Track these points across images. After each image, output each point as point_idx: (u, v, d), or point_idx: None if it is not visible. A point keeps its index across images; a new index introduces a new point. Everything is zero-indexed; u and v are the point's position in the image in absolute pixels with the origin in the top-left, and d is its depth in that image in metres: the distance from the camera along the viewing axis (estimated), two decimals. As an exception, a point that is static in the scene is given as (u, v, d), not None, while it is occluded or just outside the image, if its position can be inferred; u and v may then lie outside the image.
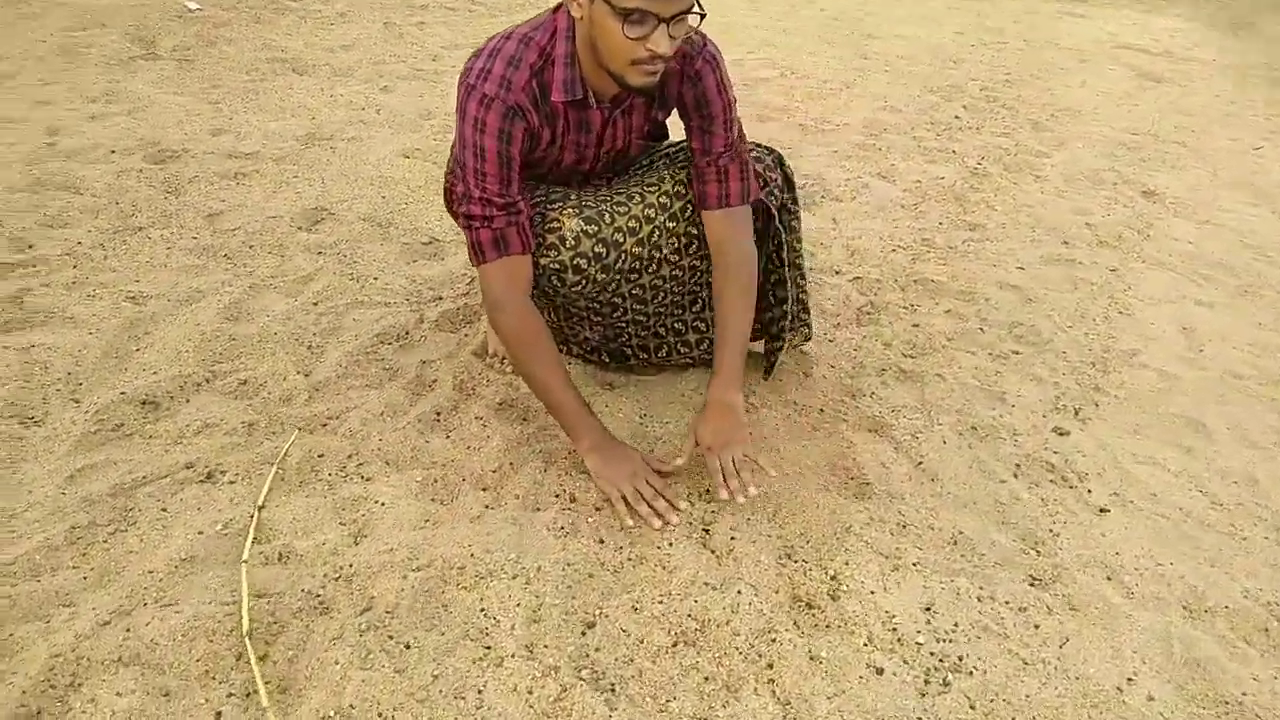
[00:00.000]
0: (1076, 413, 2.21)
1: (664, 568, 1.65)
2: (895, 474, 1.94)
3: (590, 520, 1.73)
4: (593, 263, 1.77)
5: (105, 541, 1.56)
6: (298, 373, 2.02)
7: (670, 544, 1.70)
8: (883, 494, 1.88)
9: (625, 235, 1.81)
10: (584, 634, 1.50)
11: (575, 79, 1.66)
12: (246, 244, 2.50)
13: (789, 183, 2.06)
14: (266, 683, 1.36)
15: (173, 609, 1.45)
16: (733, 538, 1.72)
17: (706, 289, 2.04)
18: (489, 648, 1.46)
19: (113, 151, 2.91)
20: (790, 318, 2.13)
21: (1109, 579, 1.73)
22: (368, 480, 1.76)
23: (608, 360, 2.16)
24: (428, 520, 1.69)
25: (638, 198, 1.84)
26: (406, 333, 2.21)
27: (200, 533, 1.59)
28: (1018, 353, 2.43)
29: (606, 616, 1.54)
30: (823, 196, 3.23)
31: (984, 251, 2.96)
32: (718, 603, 1.58)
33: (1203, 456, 2.10)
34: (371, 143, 3.29)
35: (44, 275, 2.23)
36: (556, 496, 1.78)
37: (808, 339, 2.26)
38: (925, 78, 4.71)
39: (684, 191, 1.88)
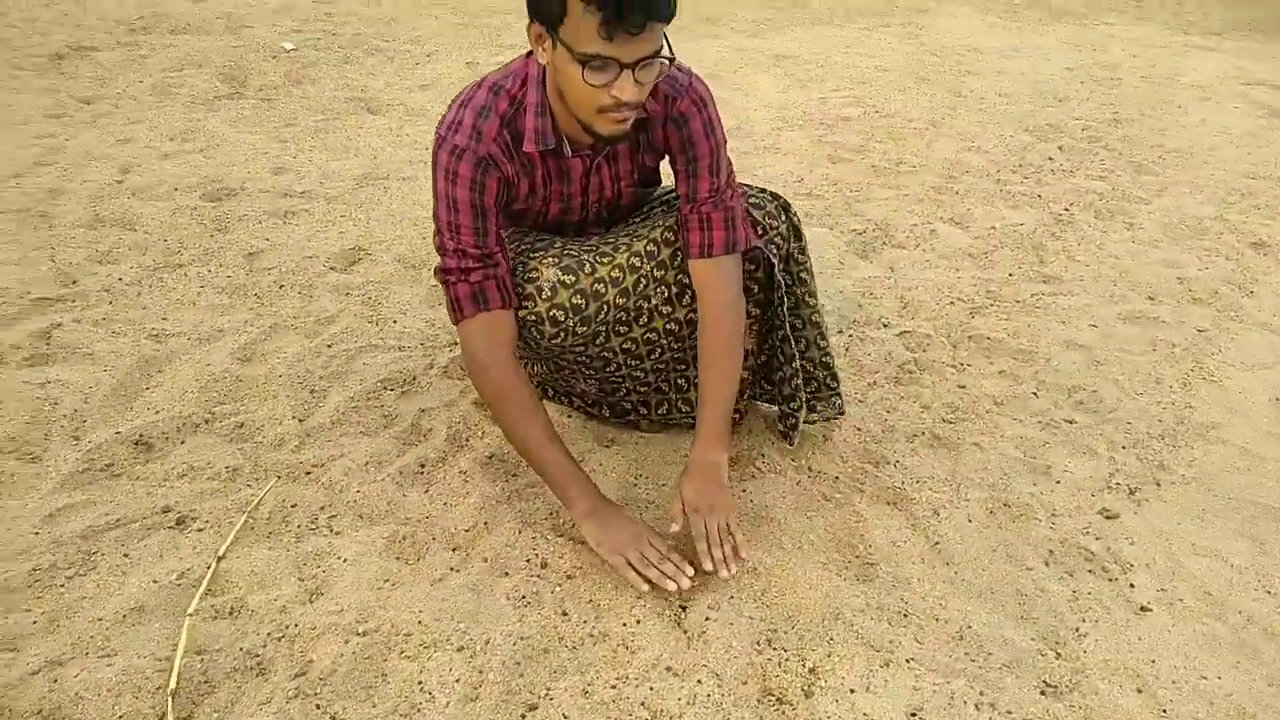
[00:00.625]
0: (1132, 493, 1.98)
1: (626, 647, 1.53)
2: (906, 554, 1.77)
3: (556, 590, 1.63)
4: (570, 315, 1.68)
5: (62, 585, 1.56)
6: (293, 417, 2.00)
7: (639, 620, 1.58)
8: (887, 576, 1.72)
9: (607, 286, 1.71)
10: (523, 717, 1.40)
11: (547, 128, 1.60)
12: (277, 283, 2.52)
13: (796, 231, 1.93)
14: (178, 749, 1.31)
15: (107, 660, 1.43)
16: (708, 618, 1.60)
17: None
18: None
19: (175, 189, 3.01)
20: (805, 379, 2.00)
21: (1139, 691, 1.52)
22: (336, 534, 1.72)
23: (609, 415, 2.07)
24: (387, 580, 1.62)
25: (624, 246, 1.75)
26: (414, 378, 2.18)
27: (155, 581, 1.57)
28: (1073, 421, 2.21)
29: (551, 699, 1.43)
30: (883, 243, 3.06)
31: (1054, 306, 2.73)
32: (675, 692, 1.46)
33: (1278, 552, 1.84)
34: (425, 183, 3.30)
35: (78, 311, 2.30)
36: (527, 561, 1.69)
37: (840, 412, 2.08)
38: (1022, 117, 4.46)
39: (674, 238, 1.78)
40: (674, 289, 1.81)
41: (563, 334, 1.69)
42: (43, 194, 2.87)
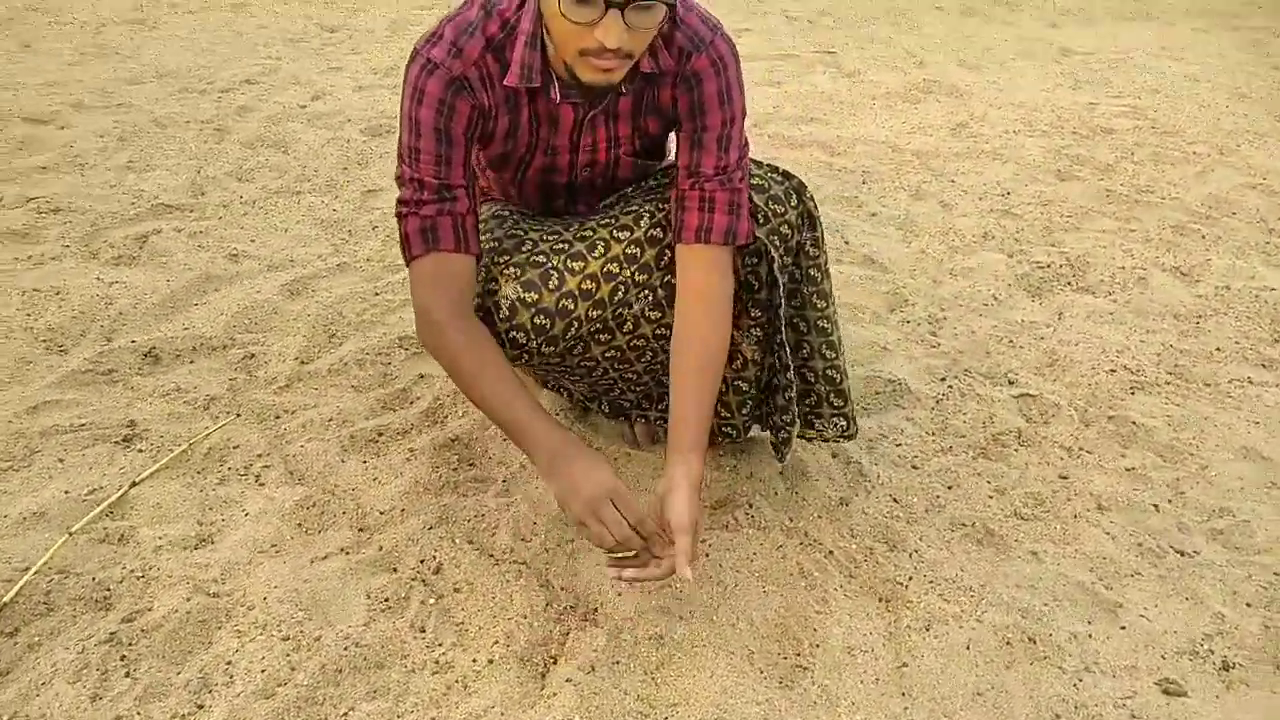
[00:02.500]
0: (1226, 669, 1.47)
1: (464, 687, 1.35)
2: (858, 668, 1.42)
3: (429, 601, 1.47)
4: (533, 336, 1.47)
5: (-2, 476, 1.64)
6: (296, 358, 1.98)
7: (491, 661, 1.39)
8: (815, 690, 1.39)
9: (577, 300, 1.48)
10: (304, 731, 1.28)
11: (535, 62, 1.39)
12: (373, 224, 2.52)
13: (810, 219, 1.59)
14: (-27, 663, 1.32)
15: (-21, 558, 1.47)
16: (573, 680, 1.36)
17: None
18: (200, 707, 1.29)
19: (347, 120, 3.12)
20: (803, 392, 1.70)
21: None
22: (258, 485, 1.67)
23: (607, 412, 1.86)
24: (273, 545, 1.55)
25: (600, 247, 1.51)
26: (437, 342, 2.08)
27: (66, 492, 1.61)
28: (1193, 554, 1.68)
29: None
30: (1066, 284, 2.52)
31: (1254, 402, 2.11)
32: (475, 754, 1.26)
33: None
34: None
35: (185, 221, 2.43)
36: (421, 561, 1.55)
37: (845, 434, 1.73)
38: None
39: (661, 234, 1.53)
40: (661, 292, 1.56)
41: (526, 355, 1.49)
42: (233, 110, 3.09)
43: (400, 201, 1.44)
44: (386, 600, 1.47)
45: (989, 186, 3.04)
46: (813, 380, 1.69)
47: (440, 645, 1.41)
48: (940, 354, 2.20)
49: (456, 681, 1.36)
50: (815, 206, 1.63)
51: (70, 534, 1.52)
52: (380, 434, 1.80)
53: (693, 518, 1.35)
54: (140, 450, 1.71)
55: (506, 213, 1.62)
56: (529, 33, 1.39)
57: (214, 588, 1.46)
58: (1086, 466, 1.89)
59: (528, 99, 1.45)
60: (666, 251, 1.53)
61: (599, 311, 1.52)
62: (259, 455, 1.73)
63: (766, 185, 1.55)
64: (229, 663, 1.35)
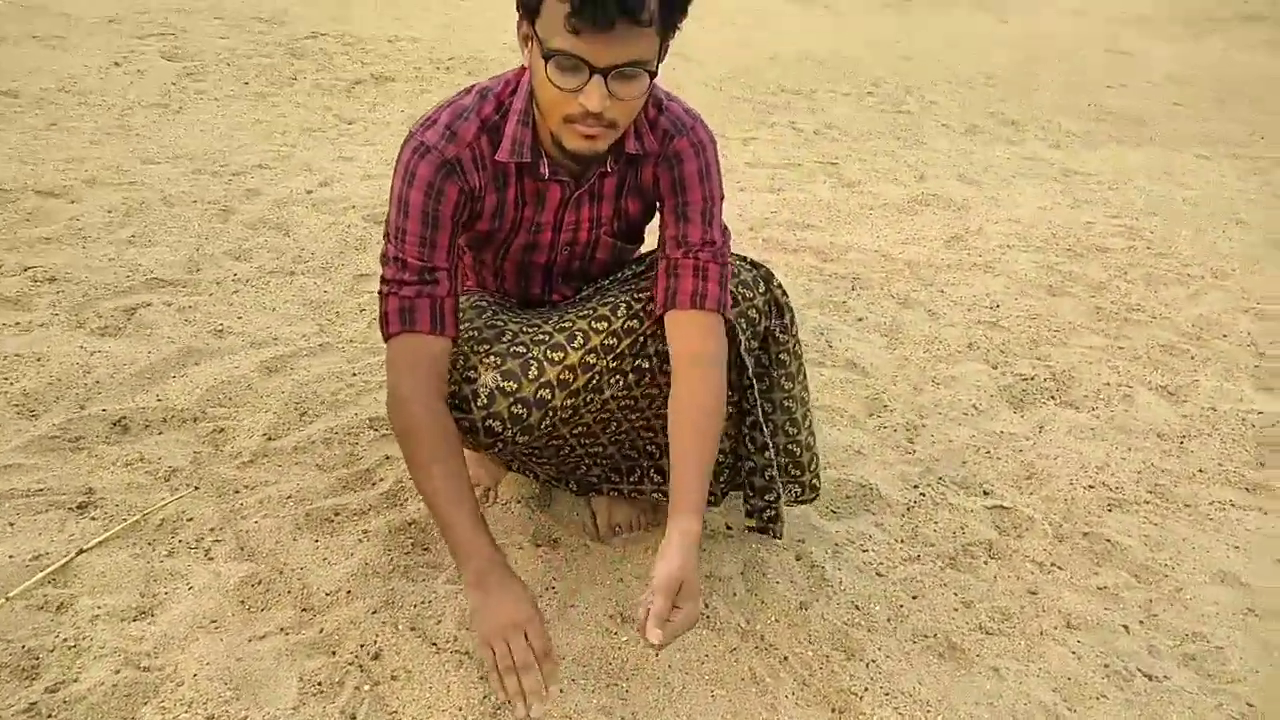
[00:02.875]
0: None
1: (385, 779, 1.30)
2: (798, 782, 1.37)
3: (363, 688, 1.43)
4: (509, 425, 1.48)
5: (-52, 537, 1.63)
6: (264, 435, 1.98)
7: (419, 753, 1.35)
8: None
9: (554, 390, 1.50)
10: (213, 818, 1.23)
11: (526, 139, 1.45)
12: (361, 307, 2.56)
13: (777, 306, 1.66)
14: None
15: (-87, 620, 1.45)
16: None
17: None
18: (111, 787, 1.25)
19: (351, 208, 3.20)
20: (778, 470, 1.70)
21: None
22: (207, 560, 1.65)
23: (575, 490, 1.84)
24: (213, 622, 1.52)
25: (579, 338, 1.53)
26: (409, 425, 2.08)
27: (11, 557, 1.59)
28: (1162, 679, 1.63)
29: (259, 809, 1.25)
30: (1050, 398, 2.51)
31: (1234, 526, 2.07)
32: None
33: None
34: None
35: (175, 296, 2.47)
36: (361, 646, 1.51)
37: (799, 499, 1.78)
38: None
39: (637, 325, 1.55)
40: (631, 375, 1.57)
41: (500, 444, 1.50)
42: (241, 192, 3.17)
43: (383, 280, 1.48)
44: (319, 684, 1.43)
45: (978, 298, 3.05)
46: (774, 455, 1.70)
47: (368, 734, 1.37)
48: (915, 461, 2.17)
49: (380, 773, 1.31)
50: (783, 294, 1.67)
51: (7, 599, 1.50)
52: (337, 513, 1.79)
53: (676, 577, 1.30)
54: (93, 518, 1.70)
55: (485, 303, 1.65)
56: (521, 111, 1.45)
57: (145, 661, 1.43)
58: (1057, 583, 1.84)
59: (515, 178, 1.50)
60: (640, 339, 1.55)
61: (572, 400, 1.53)
62: (211, 529, 1.71)
63: (736, 271, 1.59)
64: (147, 741, 1.31)
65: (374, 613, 1.58)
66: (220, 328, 2.35)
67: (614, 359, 1.55)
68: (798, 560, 1.82)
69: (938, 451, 2.22)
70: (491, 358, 1.50)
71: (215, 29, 5.33)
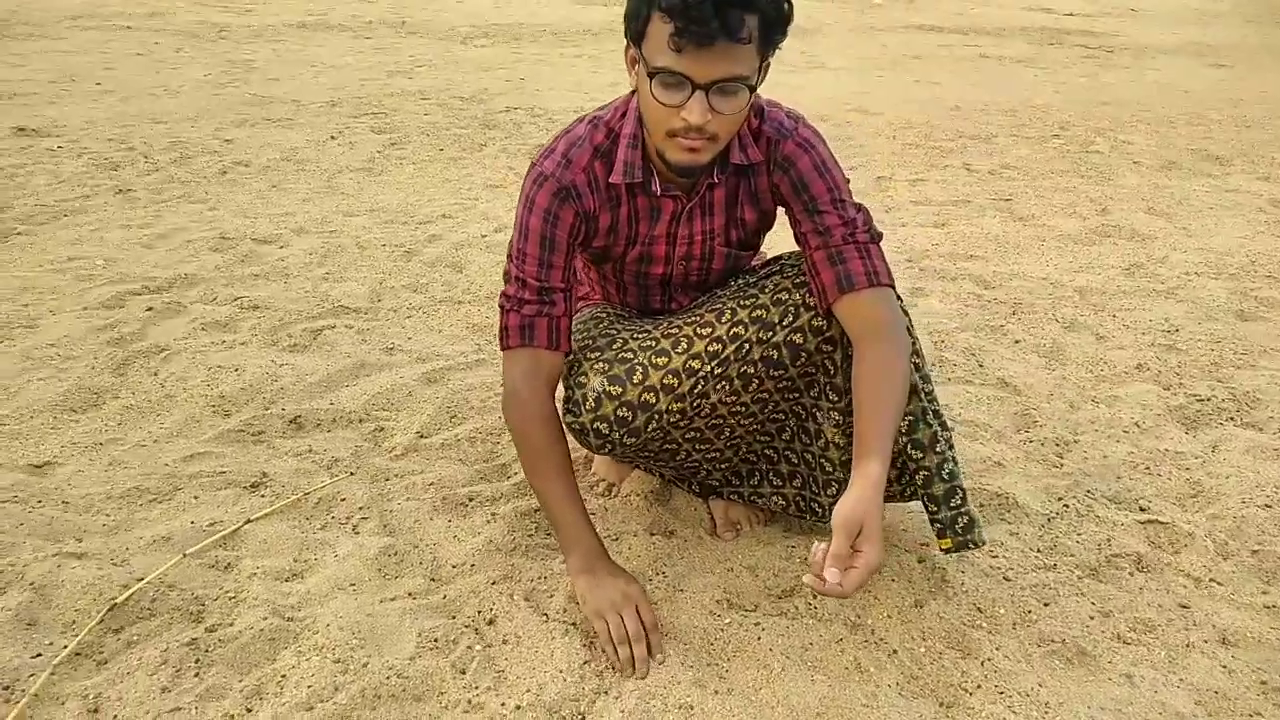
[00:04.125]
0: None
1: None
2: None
3: (475, 648, 1.52)
4: (615, 427, 1.58)
5: (139, 505, 1.86)
6: (418, 432, 2.15)
7: (519, 707, 1.42)
8: (842, 779, 1.31)
9: (659, 394, 1.58)
10: (329, 745, 1.35)
11: (636, 160, 1.56)
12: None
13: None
14: (77, 653, 1.50)
15: (113, 562, 1.68)
16: (590, 733, 1.37)
17: (794, 417, 1.70)
18: (249, 710, 1.40)
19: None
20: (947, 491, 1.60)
21: None
22: (354, 534, 1.81)
23: (697, 492, 1.89)
24: (351, 584, 1.67)
25: (683, 344, 1.61)
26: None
27: (193, 523, 1.81)
28: (1328, 699, 1.46)
29: (369, 740, 1.35)
30: (1229, 419, 2.32)
31: None
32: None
33: None
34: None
35: (358, 321, 2.74)
36: (478, 612, 1.61)
37: (968, 542, 1.56)
38: None
39: (742, 331, 1.60)
40: (738, 381, 1.62)
41: (609, 445, 1.61)
42: (424, 238, 3.47)
43: (504, 295, 1.61)
44: (436, 640, 1.53)
45: (1155, 323, 2.87)
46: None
47: (476, 688, 1.45)
48: (1063, 474, 2.07)
49: (481, 723, 1.39)
50: (899, 297, 1.66)
51: (185, 556, 1.71)
52: (471, 499, 1.91)
53: (856, 516, 1.32)
54: (263, 496, 1.91)
55: (604, 314, 1.76)
56: (630, 135, 1.56)
57: (290, 613, 1.59)
58: (1215, 598, 1.70)
59: (628, 197, 1.60)
60: (744, 345, 1.59)
61: (679, 404, 1.60)
62: (360, 508, 1.88)
63: None
64: (284, 676, 1.46)
65: (493, 584, 1.67)
66: (391, 346, 2.58)
67: (719, 364, 1.59)
68: (920, 563, 1.77)
69: (1090, 467, 2.10)
70: (601, 364, 1.60)
71: (421, 107, 5.87)
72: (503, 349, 1.63)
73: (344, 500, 1.90)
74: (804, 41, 10.16)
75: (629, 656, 1.48)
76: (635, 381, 1.58)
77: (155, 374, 2.38)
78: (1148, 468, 2.10)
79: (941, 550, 1.58)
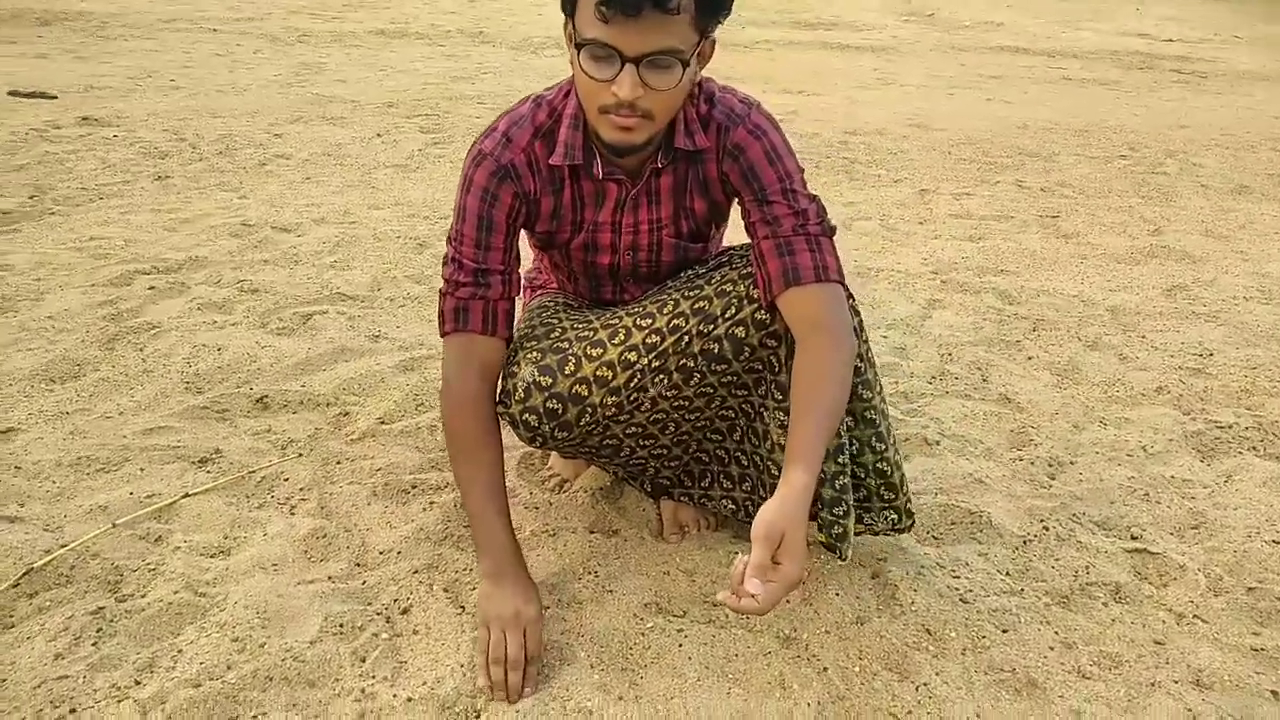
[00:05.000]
0: None
1: (377, 719, 1.32)
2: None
3: (383, 637, 1.47)
4: (545, 420, 1.51)
5: (83, 473, 1.86)
6: (379, 419, 2.11)
7: (410, 700, 1.35)
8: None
9: (591, 387, 1.51)
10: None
11: (576, 141, 1.50)
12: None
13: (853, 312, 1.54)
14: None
15: (43, 526, 1.67)
16: (475, 731, 1.30)
17: (744, 416, 1.60)
18: (137, 683, 1.36)
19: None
20: (860, 490, 1.57)
21: None
22: (290, 514, 1.77)
23: (648, 492, 1.80)
24: (274, 565, 1.62)
25: (621, 335, 1.53)
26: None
27: (131, 494, 1.79)
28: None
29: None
30: (1250, 448, 2.13)
31: None
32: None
33: None
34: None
35: (352, 308, 2.72)
36: (394, 600, 1.55)
37: (896, 527, 1.60)
38: None
39: (681, 324, 1.52)
40: (677, 375, 1.53)
41: (540, 438, 1.54)
42: (439, 232, 3.45)
43: (443, 279, 1.56)
44: (341, 625, 1.48)
45: (1187, 345, 2.68)
46: (862, 475, 1.56)
47: (373, 676, 1.40)
48: (1050, 496, 1.92)
49: (372, 712, 1.33)
50: (850, 297, 1.57)
51: (114, 526, 1.69)
52: (414, 486, 1.86)
53: (778, 526, 1.24)
54: (209, 472, 1.89)
55: (552, 303, 1.69)
56: (572, 115, 1.50)
57: (203, 589, 1.55)
58: (1196, 636, 1.55)
59: (571, 180, 1.53)
60: (684, 337, 1.51)
61: (615, 398, 1.52)
62: (301, 489, 1.84)
63: None
64: (180, 651, 1.42)
65: (415, 572, 1.61)
66: (378, 334, 2.55)
67: (656, 357, 1.51)
68: (873, 579, 1.66)
69: (1082, 490, 1.95)
70: (534, 353, 1.54)
71: (474, 110, 5.90)
72: (441, 336, 1.57)
73: (287, 480, 1.87)
74: (879, 58, 10.00)
75: (500, 680, 1.36)
76: (567, 373, 1.51)
77: (140, 349, 2.39)
78: (1147, 494, 1.94)
79: (819, 541, 1.54)
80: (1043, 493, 1.94)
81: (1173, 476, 2.01)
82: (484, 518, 1.51)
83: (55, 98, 5.73)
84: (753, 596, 1.19)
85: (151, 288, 2.78)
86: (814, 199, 1.52)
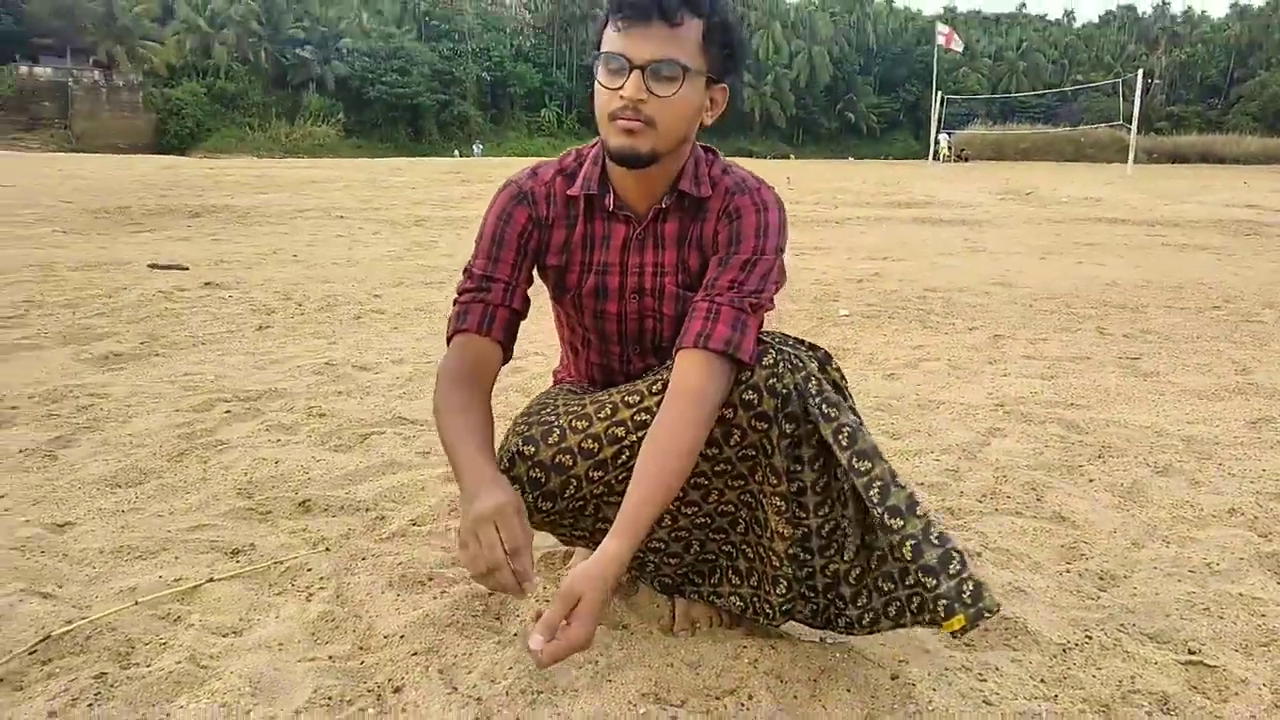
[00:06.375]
0: None
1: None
2: None
3: (370, 712, 1.45)
4: (528, 489, 1.54)
5: (112, 559, 1.93)
6: (411, 521, 2.14)
7: (382, 768, 1.32)
8: None
9: (576, 458, 1.54)
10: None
11: (594, 175, 1.62)
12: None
13: (837, 390, 1.51)
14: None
15: (57, 601, 1.73)
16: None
17: (745, 508, 1.58)
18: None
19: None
20: (908, 578, 1.43)
21: None
22: (306, 600, 1.79)
23: (658, 589, 1.76)
24: (279, 644, 1.63)
25: (608, 410, 1.57)
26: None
27: (160, 577, 1.85)
28: None
29: None
30: (1332, 567, 1.94)
31: None
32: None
33: None
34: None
35: (410, 431, 2.82)
36: (388, 680, 1.53)
37: (982, 611, 1.34)
38: None
39: None
40: None
41: (526, 510, 1.56)
42: (508, 369, 3.57)
43: (456, 291, 1.65)
44: (330, 699, 1.47)
45: (1269, 473, 2.50)
46: (884, 559, 1.46)
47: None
48: (1097, 608, 1.79)
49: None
50: (842, 377, 1.57)
51: (137, 603, 1.74)
52: (431, 578, 1.86)
53: (577, 590, 1.26)
54: (238, 562, 1.94)
55: (556, 390, 1.75)
56: (595, 155, 1.62)
57: (206, 662, 1.57)
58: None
59: (585, 218, 1.63)
60: None
61: (601, 473, 1.54)
62: (321, 579, 1.87)
63: (794, 344, 1.54)
64: (169, 715, 1.43)
65: (414, 654, 1.59)
66: (429, 451, 2.62)
67: (644, 433, 1.52)
68: (892, 679, 1.55)
69: (1135, 603, 1.81)
70: (521, 425, 1.59)
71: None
72: (447, 345, 1.64)
73: (309, 570, 1.90)
74: (971, 229, 10.11)
75: (501, 583, 1.32)
76: (550, 443, 1.53)
77: (205, 462, 2.52)
78: (1208, 608, 1.78)
79: (952, 635, 1.36)
80: (1090, 603, 1.80)
81: (1240, 594, 1.84)
82: (462, 451, 1.46)
83: (187, 269, 6.29)
84: (538, 651, 1.22)
85: (228, 412, 2.94)
86: (765, 282, 1.54)
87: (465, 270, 1.64)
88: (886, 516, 1.40)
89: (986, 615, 1.33)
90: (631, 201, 1.60)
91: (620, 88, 1.44)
